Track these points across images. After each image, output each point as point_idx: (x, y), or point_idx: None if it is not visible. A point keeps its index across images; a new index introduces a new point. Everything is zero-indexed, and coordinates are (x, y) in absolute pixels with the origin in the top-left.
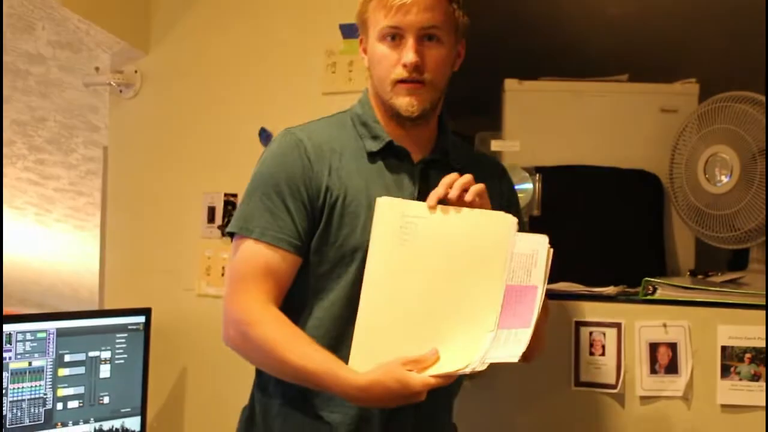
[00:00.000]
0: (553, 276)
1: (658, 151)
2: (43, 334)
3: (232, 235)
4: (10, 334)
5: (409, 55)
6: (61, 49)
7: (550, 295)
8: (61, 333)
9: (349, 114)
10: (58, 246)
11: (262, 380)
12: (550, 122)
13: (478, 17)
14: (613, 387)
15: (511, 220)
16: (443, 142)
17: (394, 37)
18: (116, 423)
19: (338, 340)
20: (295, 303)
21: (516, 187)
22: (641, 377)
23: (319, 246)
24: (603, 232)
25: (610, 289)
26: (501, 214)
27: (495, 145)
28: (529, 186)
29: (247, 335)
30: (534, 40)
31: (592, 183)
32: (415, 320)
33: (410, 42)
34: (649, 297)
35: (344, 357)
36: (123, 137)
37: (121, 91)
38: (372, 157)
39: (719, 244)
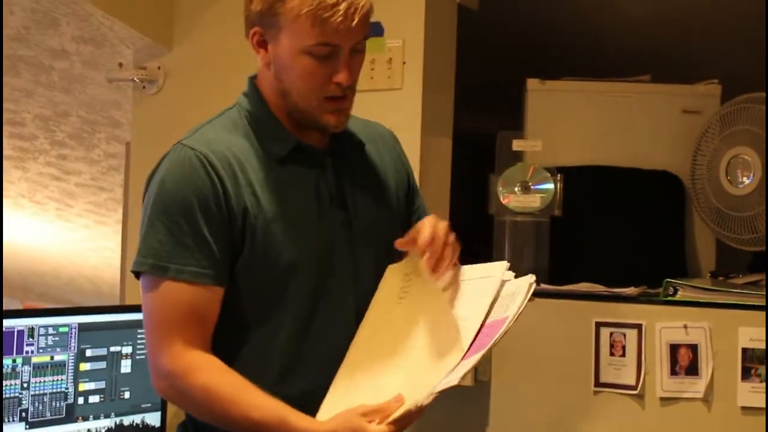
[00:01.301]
0: (574, 276)
1: (680, 152)
2: (66, 329)
3: (138, 273)
4: (32, 328)
5: (345, 76)
6: (85, 45)
7: (570, 295)
8: (83, 328)
9: (238, 111)
10: (78, 241)
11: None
12: (571, 122)
13: (502, 18)
14: (633, 388)
15: (503, 267)
16: None
17: (327, 53)
18: (136, 418)
19: (286, 372)
20: (228, 338)
21: (537, 186)
22: (661, 378)
23: (247, 272)
24: (624, 232)
25: (631, 290)
26: (497, 265)
27: (516, 145)
28: (550, 186)
29: (183, 389)
30: (556, 40)
31: (613, 184)
32: (392, 372)
33: (345, 60)
34: (670, 298)
35: (294, 391)
36: (146, 133)
37: (144, 87)
38: (280, 161)
39: (740, 245)
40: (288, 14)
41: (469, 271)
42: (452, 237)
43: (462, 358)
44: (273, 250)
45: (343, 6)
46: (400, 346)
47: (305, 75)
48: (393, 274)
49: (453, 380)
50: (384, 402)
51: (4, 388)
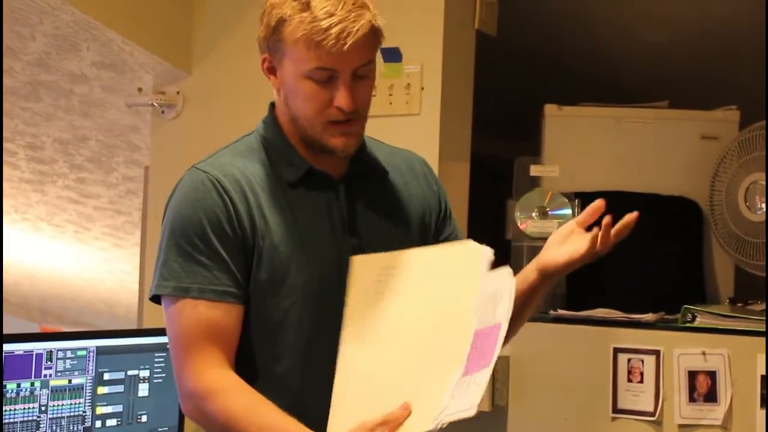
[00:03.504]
0: (592, 302)
1: (698, 178)
2: (84, 352)
3: (157, 297)
4: (51, 351)
5: (345, 100)
6: (105, 70)
7: (588, 320)
8: (100, 351)
9: (255, 137)
10: (95, 264)
11: None
12: (589, 148)
13: (520, 44)
14: (651, 415)
15: (482, 250)
16: (360, 152)
17: (326, 77)
18: None
19: (301, 395)
20: (243, 361)
21: (554, 212)
22: (680, 405)
23: (255, 295)
24: (642, 258)
25: (649, 316)
26: (472, 245)
27: (534, 170)
28: (568, 212)
29: (205, 410)
30: (574, 66)
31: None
32: (392, 375)
33: (345, 84)
34: (688, 324)
35: (312, 412)
36: (164, 157)
37: (163, 112)
38: (292, 185)
39: (759, 272)
40: (287, 39)
41: (440, 255)
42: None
43: (464, 374)
44: (279, 273)
45: (335, 30)
46: (392, 345)
47: (307, 100)
48: (363, 266)
49: (469, 410)
50: (390, 412)
51: (22, 412)
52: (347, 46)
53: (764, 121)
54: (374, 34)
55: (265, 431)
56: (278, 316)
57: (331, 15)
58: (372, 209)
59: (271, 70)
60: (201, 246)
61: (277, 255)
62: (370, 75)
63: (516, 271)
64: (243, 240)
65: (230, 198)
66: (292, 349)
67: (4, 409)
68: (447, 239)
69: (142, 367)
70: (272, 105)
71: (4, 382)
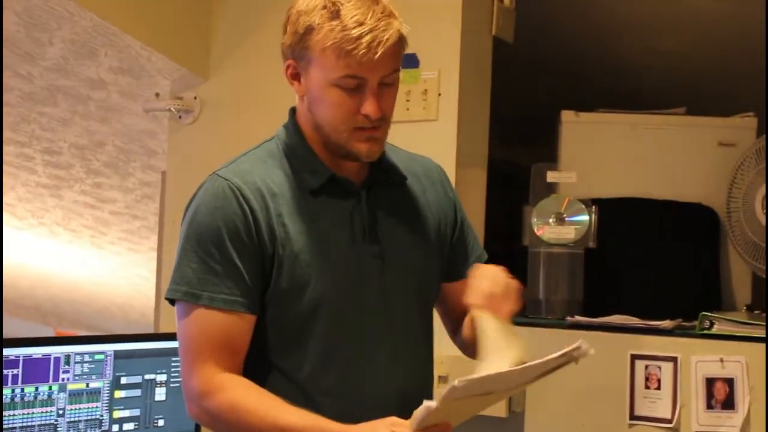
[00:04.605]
0: (609, 308)
1: (716, 184)
2: (101, 356)
3: (172, 300)
4: (69, 355)
5: (373, 108)
6: (122, 75)
7: (605, 327)
8: (118, 355)
9: (276, 143)
10: (111, 268)
11: None
12: (606, 154)
13: (537, 50)
14: (669, 422)
15: (584, 349)
16: (380, 158)
17: (354, 85)
18: None
19: (317, 399)
20: (256, 368)
21: (571, 218)
22: (697, 412)
23: (275, 302)
24: (659, 265)
25: (667, 323)
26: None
27: (551, 177)
28: (585, 218)
29: (211, 409)
30: (591, 72)
31: (648, 216)
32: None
33: (372, 92)
34: (705, 331)
35: (328, 416)
36: (181, 163)
37: (180, 117)
38: (313, 193)
39: None
40: (315, 47)
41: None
42: (512, 289)
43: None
44: (299, 280)
45: (366, 39)
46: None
47: (334, 107)
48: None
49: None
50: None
51: (40, 415)
52: (378, 55)
53: None
54: (401, 42)
55: (283, 417)
56: (298, 323)
57: (361, 24)
58: (392, 216)
59: (295, 77)
60: (216, 254)
61: (297, 264)
62: (396, 83)
63: (530, 275)
64: (261, 249)
65: (250, 207)
66: (313, 356)
67: (21, 413)
68: (464, 248)
69: (159, 371)
70: (292, 111)
71: (23, 386)
